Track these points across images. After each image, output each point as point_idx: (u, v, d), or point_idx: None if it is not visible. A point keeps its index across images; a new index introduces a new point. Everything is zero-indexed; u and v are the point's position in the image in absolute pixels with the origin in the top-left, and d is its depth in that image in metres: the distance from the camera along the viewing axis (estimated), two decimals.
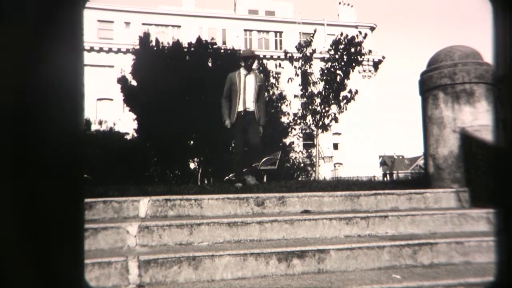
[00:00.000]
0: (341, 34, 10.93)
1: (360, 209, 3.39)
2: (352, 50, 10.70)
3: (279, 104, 12.73)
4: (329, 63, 10.96)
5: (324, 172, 23.36)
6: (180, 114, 8.96)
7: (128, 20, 30.92)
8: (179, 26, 31.76)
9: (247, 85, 4.99)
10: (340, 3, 36.72)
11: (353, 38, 10.68)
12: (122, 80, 10.17)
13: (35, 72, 0.86)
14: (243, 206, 3.20)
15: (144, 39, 10.24)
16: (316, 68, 11.36)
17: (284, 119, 12.92)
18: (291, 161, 13.77)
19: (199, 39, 10.70)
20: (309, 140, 16.22)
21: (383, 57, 26.75)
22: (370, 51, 11.19)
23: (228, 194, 3.37)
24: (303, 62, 11.18)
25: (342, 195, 3.44)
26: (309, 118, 11.52)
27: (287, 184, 4.74)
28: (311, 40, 11.39)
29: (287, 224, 2.84)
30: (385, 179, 33.06)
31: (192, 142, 10.05)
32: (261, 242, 2.71)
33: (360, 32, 10.77)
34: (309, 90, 11.15)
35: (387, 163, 59.78)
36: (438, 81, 3.85)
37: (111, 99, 28.25)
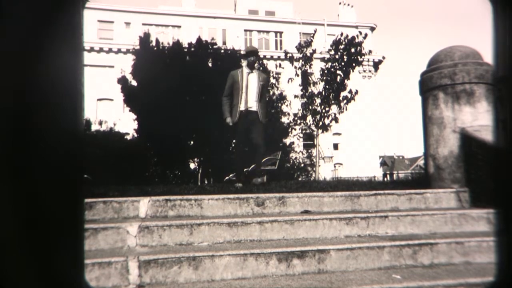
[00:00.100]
0: (341, 34, 10.93)
1: (360, 209, 3.39)
2: (352, 50, 10.70)
3: (279, 104, 12.73)
4: (329, 63, 10.96)
5: (324, 172, 23.36)
6: (180, 114, 8.96)
7: (128, 20, 30.92)
8: (179, 26, 31.77)
9: (250, 83, 4.86)
10: (340, 3, 36.73)
11: (353, 38, 10.68)
12: (122, 80, 10.17)
13: (35, 72, 0.86)
14: (243, 206, 3.20)
15: (144, 39, 10.24)
16: (316, 68, 11.36)
17: (284, 119, 12.92)
18: (291, 161, 13.77)
19: (199, 39, 10.70)
20: (309, 140, 16.22)
21: (383, 57, 26.77)
22: (370, 51, 11.19)
23: (228, 194, 3.37)
24: (303, 62, 11.18)
25: (342, 195, 3.44)
26: (309, 118, 11.51)
27: (287, 184, 4.75)
28: (311, 40, 11.38)
29: (287, 224, 2.84)
30: (385, 179, 33.07)
31: (192, 142, 10.05)
32: (261, 242, 2.71)
33: (360, 32, 10.77)
34: (309, 90, 11.15)
35: (387, 163, 59.78)
36: (438, 81, 3.85)
37: (111, 99, 28.25)
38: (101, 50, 29.90)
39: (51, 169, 0.90)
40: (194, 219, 2.88)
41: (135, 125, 10.33)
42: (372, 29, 34.60)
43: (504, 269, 1.02)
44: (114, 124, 13.46)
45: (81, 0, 1.01)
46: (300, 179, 12.92)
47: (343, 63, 10.80)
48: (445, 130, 3.80)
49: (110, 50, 30.08)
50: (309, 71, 11.16)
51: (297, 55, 11.33)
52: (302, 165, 14.33)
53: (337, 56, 10.83)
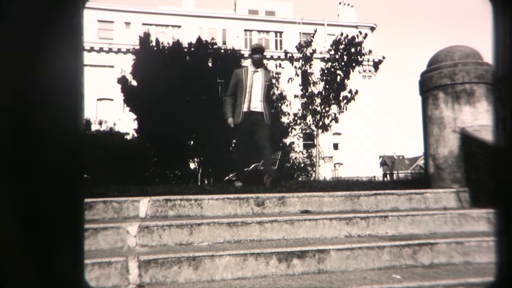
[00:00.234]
0: (341, 34, 10.93)
1: (360, 209, 3.39)
2: (352, 50, 10.69)
3: (279, 104, 12.73)
4: (329, 63, 10.95)
5: (324, 172, 23.36)
6: (180, 114, 8.96)
7: (128, 20, 30.92)
8: (179, 26, 31.77)
9: (255, 83, 4.64)
10: (340, 3, 36.72)
11: (353, 38, 10.68)
12: (122, 80, 10.17)
13: (35, 72, 0.86)
14: (243, 206, 3.20)
15: (144, 39, 10.24)
16: (316, 68, 11.35)
17: (284, 119, 12.92)
18: (291, 161, 13.76)
19: (199, 39, 10.70)
20: (309, 140, 16.21)
21: (383, 57, 26.72)
22: (370, 51, 11.19)
23: (228, 194, 3.37)
24: (303, 62, 11.17)
25: (342, 195, 3.44)
26: (309, 118, 11.51)
27: (287, 184, 4.75)
28: (311, 40, 11.38)
29: (287, 224, 2.84)
30: (385, 179, 33.07)
31: (192, 142, 10.05)
32: (261, 242, 2.71)
33: (360, 32, 10.77)
34: (309, 90, 11.14)
35: (387, 163, 59.79)
36: (438, 81, 3.85)
37: (111, 99, 28.25)
38: (101, 50, 29.90)
39: (51, 169, 0.90)
40: (194, 219, 2.88)
41: (135, 125, 10.33)
42: (372, 29, 34.59)
43: (504, 269, 1.02)
44: (114, 124, 13.45)
45: (81, 0, 1.01)
46: (300, 179, 12.92)
47: (343, 63, 10.79)
48: (445, 130, 3.80)
49: (110, 50, 30.08)
50: (309, 71, 11.16)
51: (297, 55, 11.32)
52: (302, 165, 14.33)
53: (337, 56, 10.82)
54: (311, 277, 2.35)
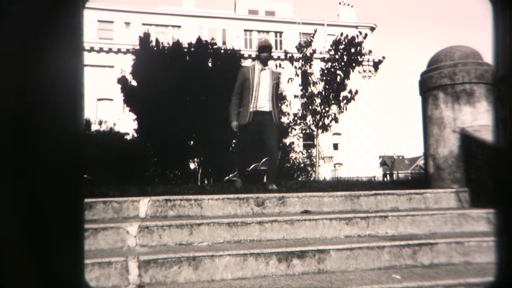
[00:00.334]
0: (341, 34, 10.92)
1: (360, 209, 3.39)
2: (352, 50, 10.69)
3: (279, 104, 12.73)
4: (329, 63, 10.95)
5: (324, 172, 23.35)
6: (180, 114, 8.95)
7: (128, 20, 30.93)
8: (179, 26, 31.77)
9: (262, 81, 4.46)
10: (340, 3, 36.73)
11: (353, 38, 10.67)
12: (122, 80, 10.16)
13: (35, 72, 0.86)
14: (243, 206, 3.20)
15: (144, 39, 10.23)
16: (316, 68, 11.35)
17: (284, 119, 12.92)
18: (291, 161, 13.75)
19: (199, 39, 10.69)
20: (309, 140, 16.21)
21: (383, 57, 26.77)
22: (370, 51, 11.18)
23: (228, 194, 3.37)
24: (303, 62, 11.16)
25: (342, 195, 3.44)
26: (309, 118, 11.50)
27: (287, 184, 4.74)
28: (311, 40, 11.38)
29: (287, 224, 2.84)
30: (385, 179, 33.06)
31: (192, 142, 10.04)
32: (261, 242, 2.71)
33: (360, 32, 10.77)
34: (309, 90, 11.14)
35: (387, 163, 59.79)
36: (438, 81, 3.85)
37: (111, 99, 28.25)
38: (101, 50, 29.90)
39: (51, 169, 0.90)
40: (194, 219, 2.88)
41: (135, 125, 10.32)
42: (372, 29, 34.60)
43: (504, 269, 1.02)
44: (114, 124, 13.44)
45: (81, 0, 1.01)
46: (300, 179, 12.92)
47: (343, 63, 10.79)
48: (445, 130, 3.80)
49: (110, 50, 30.08)
50: (309, 71, 11.15)
51: (297, 55, 11.32)
52: (302, 165, 14.32)
53: (337, 56, 10.82)
54: (311, 277, 2.35)
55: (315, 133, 11.63)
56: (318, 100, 11.11)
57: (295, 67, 11.18)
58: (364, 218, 2.98)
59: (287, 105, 12.80)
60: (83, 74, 1.02)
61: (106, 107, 28.64)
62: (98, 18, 30.27)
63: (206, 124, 9.00)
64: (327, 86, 10.97)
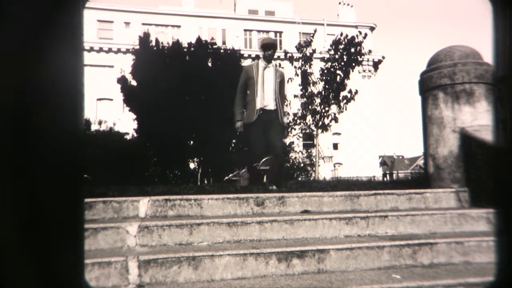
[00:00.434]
0: (341, 34, 10.93)
1: (360, 209, 3.39)
2: (352, 50, 10.69)
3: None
4: (329, 63, 10.95)
5: (324, 172, 23.35)
6: (180, 114, 8.95)
7: (128, 20, 30.92)
8: (179, 26, 31.77)
9: (266, 79, 4.35)
10: (340, 3, 36.73)
11: (353, 38, 10.68)
12: (122, 80, 10.16)
13: (35, 72, 0.86)
14: (243, 206, 3.20)
15: (144, 39, 10.23)
16: (316, 68, 11.35)
17: (284, 119, 12.91)
18: (291, 161, 13.76)
19: (199, 39, 10.69)
20: (309, 140, 16.21)
21: (383, 57, 26.71)
22: (370, 51, 11.19)
23: (228, 194, 3.37)
24: (303, 62, 11.17)
25: (342, 195, 3.44)
26: (309, 118, 11.51)
27: (287, 184, 4.74)
28: (311, 40, 11.38)
29: (287, 224, 2.84)
30: (385, 179, 33.07)
31: (192, 142, 10.04)
32: (261, 242, 2.71)
33: (360, 32, 10.77)
34: (309, 90, 11.14)
35: (387, 163, 59.80)
36: (438, 81, 3.85)
37: (111, 99, 28.25)
38: (100, 50, 29.89)
39: (51, 169, 0.90)
40: (193, 219, 2.88)
41: (134, 125, 10.32)
42: (372, 29, 34.60)
43: (504, 269, 1.02)
44: (114, 124, 13.44)
45: (81, 0, 1.01)
46: (299, 179, 12.92)
47: (342, 63, 10.79)
48: (445, 130, 3.80)
49: (109, 50, 30.08)
50: (308, 71, 11.16)
51: (296, 55, 11.32)
52: (302, 165, 14.32)
53: (336, 56, 10.82)
54: (311, 277, 2.35)
55: (315, 133, 11.63)
56: (318, 100, 11.12)
57: (295, 67, 11.18)
58: (364, 218, 2.98)
59: (286, 105, 12.79)
60: (83, 74, 1.02)
61: (106, 107, 28.64)
62: (98, 18, 30.26)
63: (206, 124, 9.00)
64: (327, 86, 10.98)
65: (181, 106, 9.10)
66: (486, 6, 1.04)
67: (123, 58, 28.25)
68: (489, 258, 2.62)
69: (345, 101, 10.99)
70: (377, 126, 33.75)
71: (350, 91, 10.93)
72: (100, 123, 12.88)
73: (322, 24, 33.04)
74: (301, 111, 11.69)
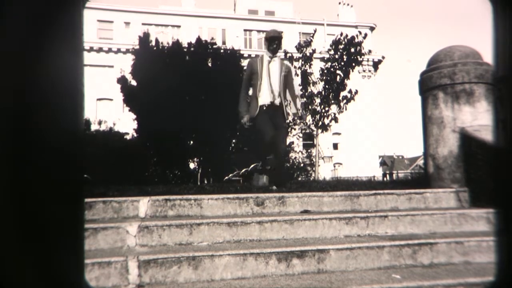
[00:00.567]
0: (341, 34, 10.94)
1: (360, 209, 3.39)
2: (352, 50, 10.70)
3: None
4: (329, 63, 10.97)
5: (324, 172, 23.35)
6: (180, 114, 8.95)
7: (128, 20, 30.92)
8: (179, 26, 31.76)
9: (272, 73, 4.18)
10: (340, 3, 36.73)
11: (353, 38, 10.69)
12: (122, 80, 10.16)
13: (35, 72, 0.86)
14: (242, 206, 3.20)
15: (144, 39, 10.23)
16: (316, 68, 11.36)
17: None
18: (291, 161, 13.75)
19: (199, 39, 10.68)
20: (309, 140, 16.21)
21: (383, 57, 26.72)
22: (370, 51, 11.21)
23: (228, 194, 3.37)
24: (303, 62, 11.18)
25: (342, 195, 3.44)
26: (309, 118, 11.52)
27: (287, 184, 4.74)
28: (311, 40, 11.39)
29: (287, 224, 2.84)
30: (385, 179, 33.07)
31: (192, 142, 10.04)
32: (261, 242, 2.71)
33: (360, 32, 10.78)
34: (309, 90, 11.15)
35: (387, 163, 59.79)
36: (438, 81, 3.85)
37: (111, 99, 28.25)
38: (100, 50, 29.88)
39: (51, 169, 0.90)
40: (193, 219, 2.88)
41: (134, 125, 10.32)
42: (372, 29, 34.60)
43: (504, 269, 1.02)
44: (114, 124, 13.44)
45: (81, 0, 1.01)
46: (299, 179, 12.92)
47: (342, 63, 10.81)
48: (445, 130, 3.80)
49: (109, 50, 30.07)
50: (308, 71, 11.17)
51: (296, 54, 11.33)
52: (302, 165, 14.32)
53: (336, 56, 10.83)
54: (311, 277, 2.35)
55: (314, 133, 11.64)
56: (318, 100, 11.12)
57: (295, 67, 11.18)
58: (363, 218, 2.98)
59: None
60: (83, 74, 1.02)
61: (105, 107, 28.63)
62: (98, 18, 30.25)
63: (206, 124, 9.00)
64: (326, 86, 10.99)
65: (181, 106, 9.10)
66: (486, 6, 1.04)
67: (123, 58, 28.24)
68: (489, 258, 2.62)
69: (345, 101, 11.00)
70: (377, 126, 33.74)
71: (350, 91, 10.94)
72: (100, 123, 12.87)
73: (322, 24, 33.03)
74: (301, 111, 11.68)
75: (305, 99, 11.25)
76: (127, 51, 27.40)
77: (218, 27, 32.64)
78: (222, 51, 10.76)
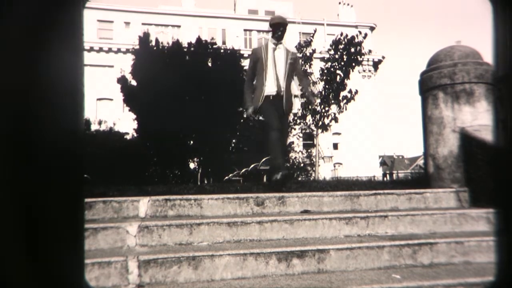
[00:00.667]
0: (341, 34, 10.95)
1: (360, 209, 3.39)
2: (352, 50, 10.71)
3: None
4: (329, 63, 10.97)
5: (324, 172, 23.36)
6: (180, 114, 8.96)
7: (128, 20, 30.91)
8: (179, 26, 31.76)
9: (277, 60, 4.00)
10: (340, 3, 36.72)
11: (353, 38, 10.70)
12: (122, 80, 10.17)
13: (35, 72, 0.86)
14: (243, 206, 3.20)
15: (144, 39, 10.24)
16: (316, 68, 11.36)
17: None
18: (291, 161, 13.76)
19: (199, 39, 10.69)
20: (309, 140, 16.22)
21: (383, 57, 26.70)
22: (370, 51, 11.22)
23: (228, 194, 3.37)
24: (303, 62, 11.18)
25: (342, 195, 3.44)
26: (309, 118, 11.53)
27: (287, 184, 4.73)
28: (311, 40, 11.40)
29: (287, 224, 2.84)
30: (385, 179, 33.06)
31: (192, 142, 10.05)
32: (261, 242, 2.71)
33: (360, 32, 10.79)
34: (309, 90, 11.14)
35: (387, 163, 59.79)
36: (438, 81, 3.85)
37: (111, 99, 28.24)
38: (100, 49, 29.88)
39: (51, 169, 0.90)
40: (193, 218, 2.88)
41: (134, 125, 10.33)
42: (372, 29, 34.59)
43: (504, 269, 1.02)
44: (114, 124, 13.45)
45: (81, 0, 1.01)
46: (299, 178, 12.92)
47: (342, 63, 10.81)
48: (445, 129, 3.80)
49: (109, 50, 30.06)
50: (308, 70, 11.17)
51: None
52: (302, 164, 14.33)
53: (336, 56, 10.84)
54: (311, 277, 2.35)
55: (315, 132, 11.64)
56: (318, 100, 11.12)
57: None
58: (363, 217, 2.98)
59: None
60: (83, 73, 1.02)
61: (105, 106, 28.62)
62: (98, 18, 30.24)
63: (206, 123, 9.01)
64: (326, 86, 10.99)
65: (181, 106, 9.10)
66: (486, 6, 1.04)
67: (123, 58, 28.24)
68: (489, 258, 2.62)
69: (345, 101, 11.01)
70: (377, 126, 33.73)
71: (350, 91, 10.94)
72: (100, 123, 12.88)
73: (322, 24, 33.03)
74: (301, 111, 11.69)
75: (305, 99, 11.24)
76: (127, 51, 27.39)
77: (218, 27, 32.64)
78: (222, 51, 10.77)
